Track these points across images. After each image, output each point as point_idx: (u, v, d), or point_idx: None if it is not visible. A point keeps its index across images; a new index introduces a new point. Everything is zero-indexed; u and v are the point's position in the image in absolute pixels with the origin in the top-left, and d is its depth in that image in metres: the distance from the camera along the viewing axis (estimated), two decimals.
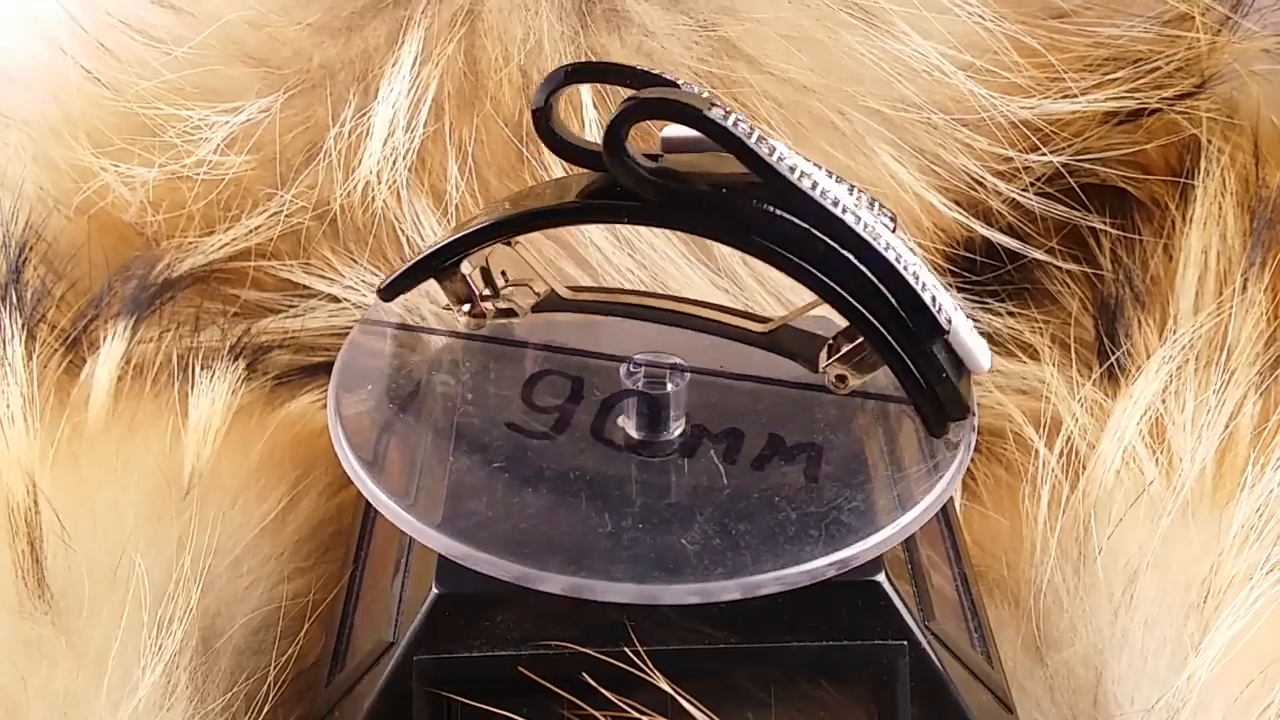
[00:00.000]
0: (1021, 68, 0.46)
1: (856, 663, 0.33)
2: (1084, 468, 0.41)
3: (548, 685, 0.32)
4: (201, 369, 0.42)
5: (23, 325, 0.41)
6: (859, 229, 0.33)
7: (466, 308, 0.38)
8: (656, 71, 0.34)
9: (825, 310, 0.35)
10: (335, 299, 0.47)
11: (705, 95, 0.33)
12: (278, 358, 0.46)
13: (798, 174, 0.32)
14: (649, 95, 0.32)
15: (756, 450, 0.35)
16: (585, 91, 0.44)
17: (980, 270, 0.49)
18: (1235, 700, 0.35)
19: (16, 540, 0.35)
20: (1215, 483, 0.40)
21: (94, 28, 0.46)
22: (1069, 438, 0.42)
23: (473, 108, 0.46)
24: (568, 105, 0.45)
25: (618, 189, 0.33)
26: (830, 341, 0.36)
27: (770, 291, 0.46)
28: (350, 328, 0.40)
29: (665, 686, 0.32)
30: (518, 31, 0.45)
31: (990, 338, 0.48)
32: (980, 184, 0.48)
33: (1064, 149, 0.48)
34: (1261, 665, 0.35)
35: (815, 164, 0.33)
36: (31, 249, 0.45)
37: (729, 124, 0.32)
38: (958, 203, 0.48)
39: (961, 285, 0.49)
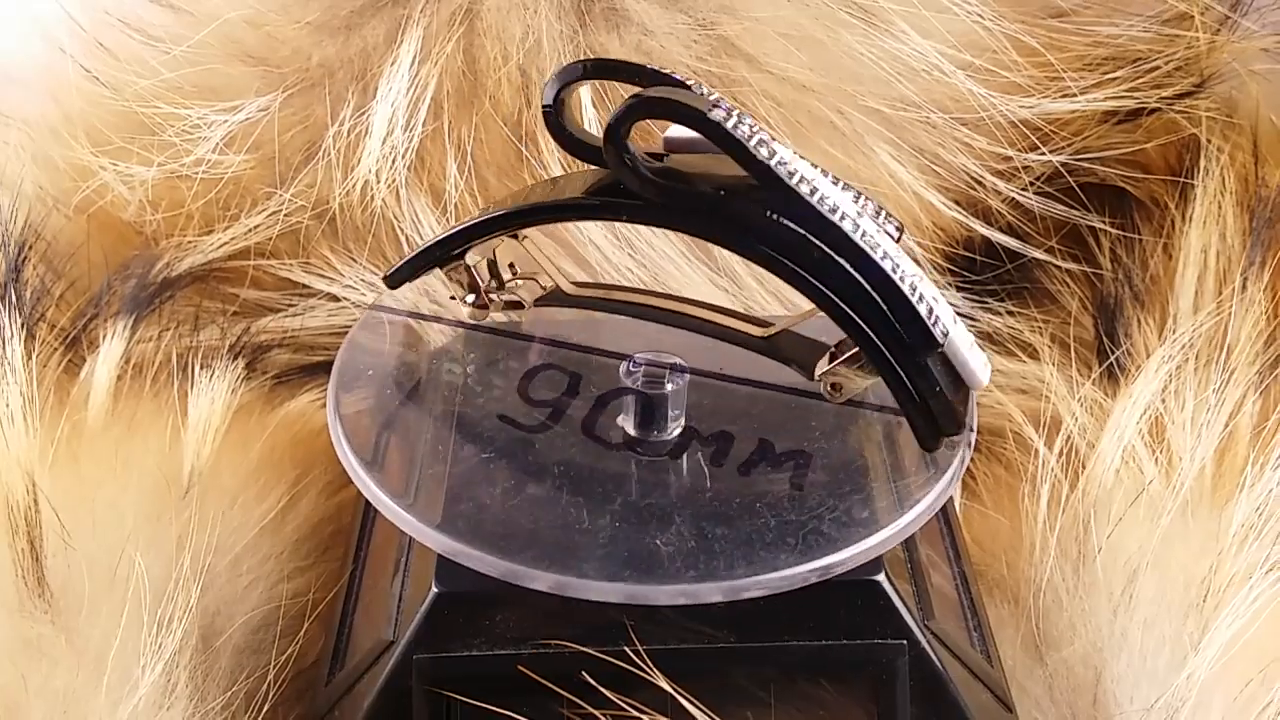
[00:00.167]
0: (1021, 67, 0.46)
1: (856, 662, 0.33)
2: (1083, 467, 0.41)
3: (547, 684, 0.32)
4: (201, 368, 0.42)
5: (22, 324, 0.41)
6: (856, 237, 0.32)
7: (471, 299, 0.38)
8: (667, 71, 0.33)
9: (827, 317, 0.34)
10: (335, 298, 0.47)
11: (714, 97, 0.33)
12: (277, 357, 0.46)
13: (796, 179, 0.32)
14: (650, 95, 0.32)
15: (750, 455, 0.35)
16: (585, 90, 0.44)
17: (980, 269, 0.49)
18: (1234, 699, 0.35)
19: (16, 539, 0.35)
20: (1215, 482, 0.40)
21: (93, 27, 0.46)
22: (1068, 437, 0.42)
23: (472, 106, 0.46)
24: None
25: (621, 187, 0.33)
26: (832, 349, 0.36)
27: (770, 291, 0.46)
28: (349, 327, 0.40)
29: (665, 685, 0.32)
30: (516, 30, 0.45)
31: (990, 337, 0.48)
32: (980, 183, 0.48)
33: (1063, 148, 0.48)
34: (1261, 664, 0.35)
35: (821, 171, 0.33)
36: (31, 248, 0.45)
37: (729, 126, 0.32)
38: (957, 202, 0.48)
39: (961, 285, 0.49)
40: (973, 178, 0.48)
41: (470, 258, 0.37)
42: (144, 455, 0.40)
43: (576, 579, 0.31)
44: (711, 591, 0.31)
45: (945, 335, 0.33)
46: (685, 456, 0.35)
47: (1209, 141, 0.47)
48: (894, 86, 0.46)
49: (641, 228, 0.45)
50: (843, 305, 0.33)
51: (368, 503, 0.35)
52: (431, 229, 0.46)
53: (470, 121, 0.46)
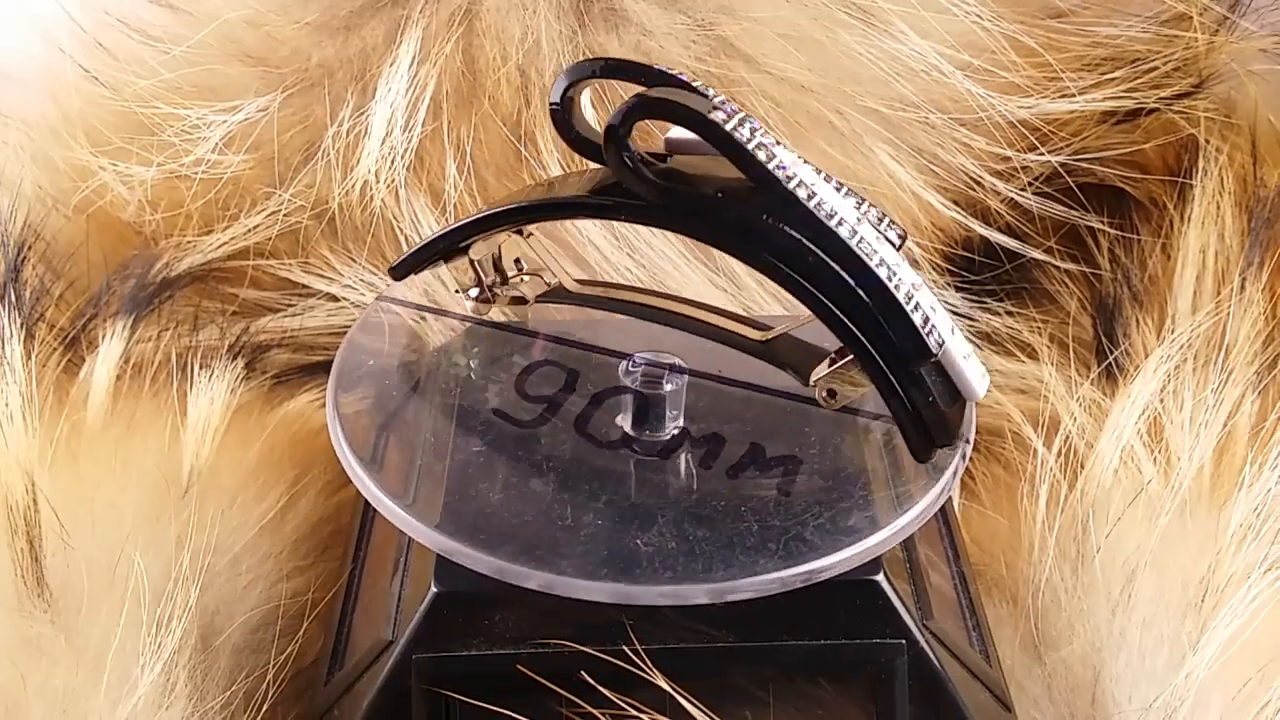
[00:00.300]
0: (1019, 67, 0.46)
1: (855, 662, 0.33)
2: (1082, 467, 0.41)
3: (546, 683, 0.32)
4: (200, 368, 0.42)
5: (21, 324, 0.41)
6: (852, 243, 0.32)
7: (474, 293, 0.38)
8: (674, 72, 0.33)
9: None
10: (334, 298, 0.47)
11: (719, 99, 0.32)
12: (276, 357, 0.46)
13: (794, 183, 0.32)
14: (650, 95, 0.32)
15: (741, 458, 0.35)
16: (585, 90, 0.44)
17: (979, 270, 0.49)
18: (1233, 699, 0.35)
19: (16, 539, 0.35)
20: (1213, 482, 0.40)
21: (92, 27, 0.46)
22: (1067, 437, 0.42)
23: (471, 107, 0.46)
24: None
25: (622, 186, 0.33)
26: (832, 355, 0.35)
27: (769, 292, 0.46)
28: (349, 326, 0.40)
29: (664, 685, 0.32)
30: (515, 31, 0.45)
31: (988, 337, 0.48)
32: (978, 183, 0.48)
33: (1062, 148, 0.48)
34: (1259, 664, 0.35)
35: (825, 176, 0.33)
36: (30, 248, 0.45)
37: (728, 128, 0.32)
38: (956, 202, 0.48)
39: (960, 285, 0.49)
40: (971, 178, 0.48)
41: (475, 252, 0.37)
42: (143, 455, 0.40)
43: (566, 578, 0.31)
44: (697, 593, 0.31)
45: (940, 345, 0.32)
46: (677, 457, 0.35)
47: (1207, 142, 0.47)
48: (893, 87, 0.46)
49: (641, 227, 0.45)
50: (836, 311, 0.32)
51: (367, 502, 0.35)
52: (431, 229, 0.46)
53: (469, 122, 0.46)
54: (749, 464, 0.35)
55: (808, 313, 0.33)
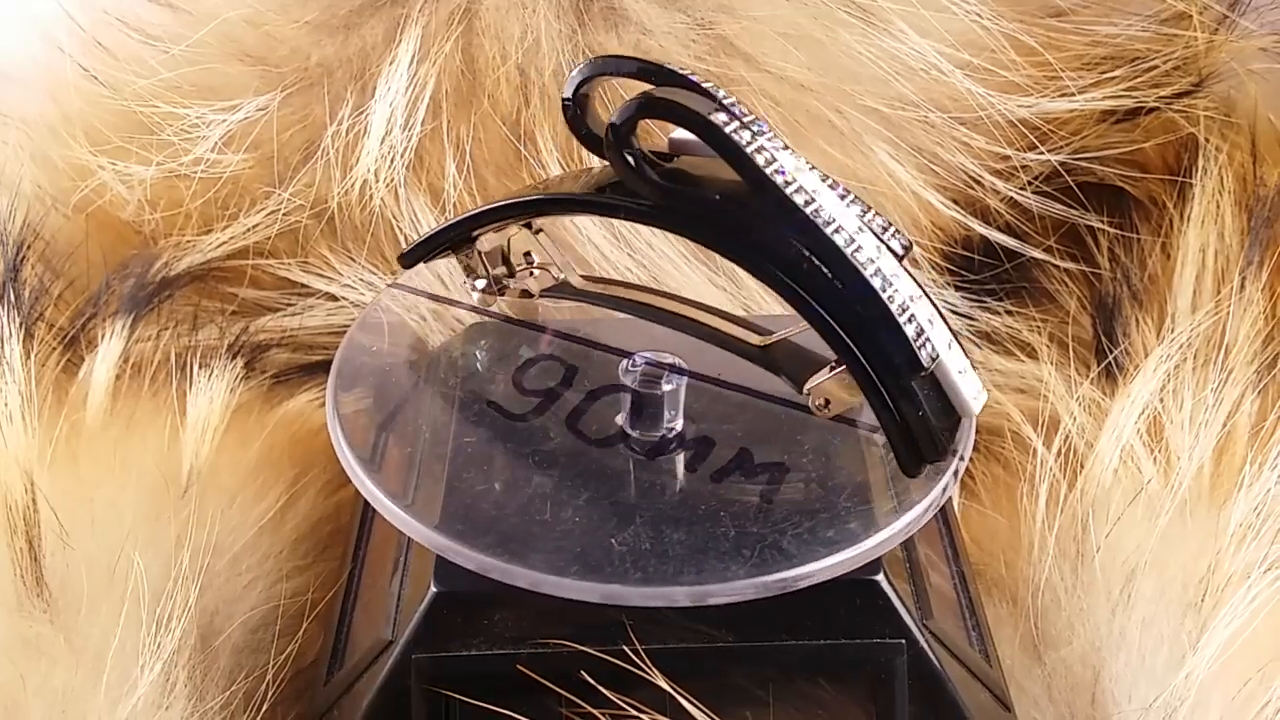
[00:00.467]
0: (1019, 66, 0.46)
1: (855, 661, 0.33)
2: (1082, 466, 0.41)
3: (546, 683, 0.32)
4: (200, 367, 0.42)
5: (21, 324, 0.41)
6: (848, 251, 0.32)
7: (481, 284, 0.38)
8: (685, 72, 0.33)
9: None
10: (333, 297, 0.47)
11: (729, 101, 0.32)
12: (276, 356, 0.46)
13: (792, 188, 0.32)
14: (652, 95, 0.32)
15: (729, 462, 0.35)
16: None
17: (978, 269, 0.49)
18: (1233, 699, 0.35)
19: (15, 539, 0.35)
20: (1213, 481, 0.40)
21: (91, 26, 0.46)
22: (1067, 436, 0.42)
23: (470, 106, 0.46)
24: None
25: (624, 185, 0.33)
26: (831, 363, 0.35)
27: (770, 294, 0.46)
28: (348, 326, 0.40)
29: (664, 685, 0.32)
30: (515, 30, 0.45)
31: (988, 336, 0.48)
32: (978, 182, 0.48)
33: (1062, 147, 0.48)
34: (1259, 664, 0.35)
35: (831, 184, 0.32)
36: (29, 247, 0.45)
37: (728, 130, 0.32)
38: (955, 201, 0.48)
39: (959, 284, 0.49)
40: (971, 177, 0.48)
41: (483, 245, 0.37)
42: (142, 454, 0.40)
43: (557, 578, 0.31)
44: (680, 595, 0.31)
45: (934, 359, 0.32)
46: (670, 458, 0.35)
47: (1207, 141, 0.47)
48: (892, 85, 0.46)
49: (641, 227, 0.45)
50: (828, 318, 0.32)
51: (366, 502, 0.35)
52: (430, 228, 0.46)
53: (469, 121, 0.46)
54: (736, 469, 0.35)
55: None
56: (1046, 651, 0.38)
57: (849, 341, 0.32)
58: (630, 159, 0.33)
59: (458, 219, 0.37)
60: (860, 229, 0.32)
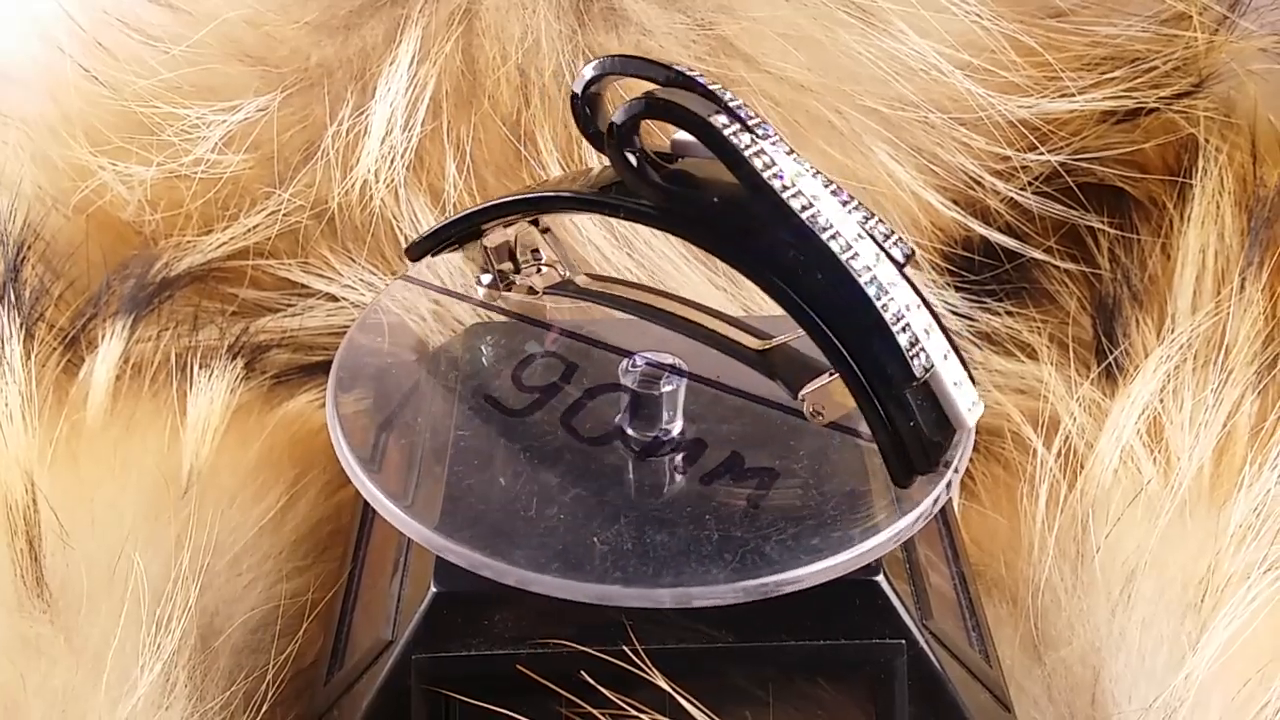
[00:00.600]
0: (1019, 67, 0.46)
1: (854, 662, 0.33)
2: (1082, 467, 0.41)
3: (546, 684, 0.32)
4: (200, 368, 0.42)
5: (21, 324, 0.41)
6: (843, 257, 0.31)
7: (486, 279, 0.38)
8: (693, 73, 0.33)
9: None
10: (333, 298, 0.47)
11: (737, 103, 0.32)
12: (276, 356, 0.46)
13: (790, 193, 0.32)
14: (654, 96, 0.32)
15: (720, 464, 0.35)
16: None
17: (978, 269, 0.49)
18: (1233, 699, 0.35)
19: (15, 539, 0.35)
20: (1213, 482, 0.40)
21: (92, 26, 0.46)
22: (1067, 437, 0.42)
23: (470, 106, 0.46)
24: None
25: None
26: (830, 370, 0.34)
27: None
28: (348, 326, 0.40)
29: (664, 685, 0.32)
30: (515, 30, 0.45)
31: (988, 337, 0.48)
32: (978, 183, 0.48)
33: (1062, 148, 0.48)
34: (1259, 664, 0.35)
35: (834, 190, 0.32)
36: (30, 248, 0.45)
37: (727, 133, 0.31)
38: (955, 202, 0.48)
39: (959, 284, 0.49)
40: (971, 177, 0.48)
41: (489, 240, 0.37)
42: (143, 455, 0.40)
43: (552, 578, 0.31)
44: (663, 597, 0.31)
45: (927, 370, 0.32)
46: (671, 459, 0.35)
47: (1207, 141, 0.47)
48: (892, 86, 0.46)
49: (641, 227, 0.45)
50: (821, 325, 0.32)
51: (366, 502, 0.35)
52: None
53: (469, 121, 0.46)
54: (726, 471, 0.35)
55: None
56: (1046, 652, 0.38)
57: (841, 348, 0.32)
58: (632, 159, 0.33)
59: (463, 213, 0.37)
60: (859, 236, 0.32)
